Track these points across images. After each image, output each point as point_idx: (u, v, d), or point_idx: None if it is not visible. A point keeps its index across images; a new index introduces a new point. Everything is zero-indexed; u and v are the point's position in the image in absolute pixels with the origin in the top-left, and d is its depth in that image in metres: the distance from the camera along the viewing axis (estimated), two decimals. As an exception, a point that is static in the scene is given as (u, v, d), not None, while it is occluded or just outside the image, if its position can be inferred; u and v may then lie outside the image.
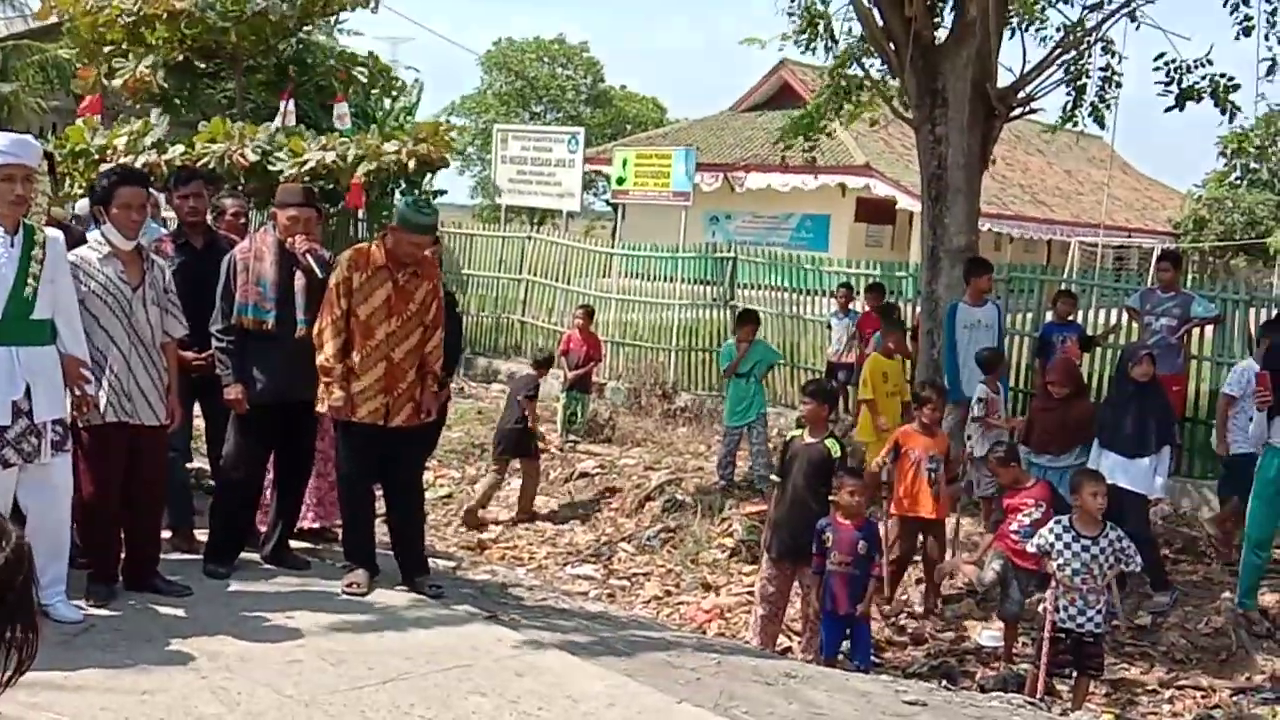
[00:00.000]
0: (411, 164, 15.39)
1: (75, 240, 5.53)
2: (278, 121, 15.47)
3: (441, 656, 5.22)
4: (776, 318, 14.23)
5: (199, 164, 13.50)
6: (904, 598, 8.37)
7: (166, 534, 6.18)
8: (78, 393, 5.11)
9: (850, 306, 13.09)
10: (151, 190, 6.06)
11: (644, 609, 8.45)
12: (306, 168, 14.05)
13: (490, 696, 4.84)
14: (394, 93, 22.49)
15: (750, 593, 8.20)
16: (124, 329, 5.42)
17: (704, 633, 7.78)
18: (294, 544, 6.56)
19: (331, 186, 13.62)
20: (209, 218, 6.96)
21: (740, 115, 33.12)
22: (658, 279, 16.02)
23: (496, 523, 10.32)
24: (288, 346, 5.94)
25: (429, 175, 16.75)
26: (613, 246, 18.41)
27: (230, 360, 5.95)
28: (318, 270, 5.96)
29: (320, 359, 5.85)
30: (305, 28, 18.59)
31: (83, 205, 6.37)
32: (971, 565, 8.13)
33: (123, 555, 5.65)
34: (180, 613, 5.48)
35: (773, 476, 8.34)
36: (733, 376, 10.98)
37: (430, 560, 6.74)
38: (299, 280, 6.00)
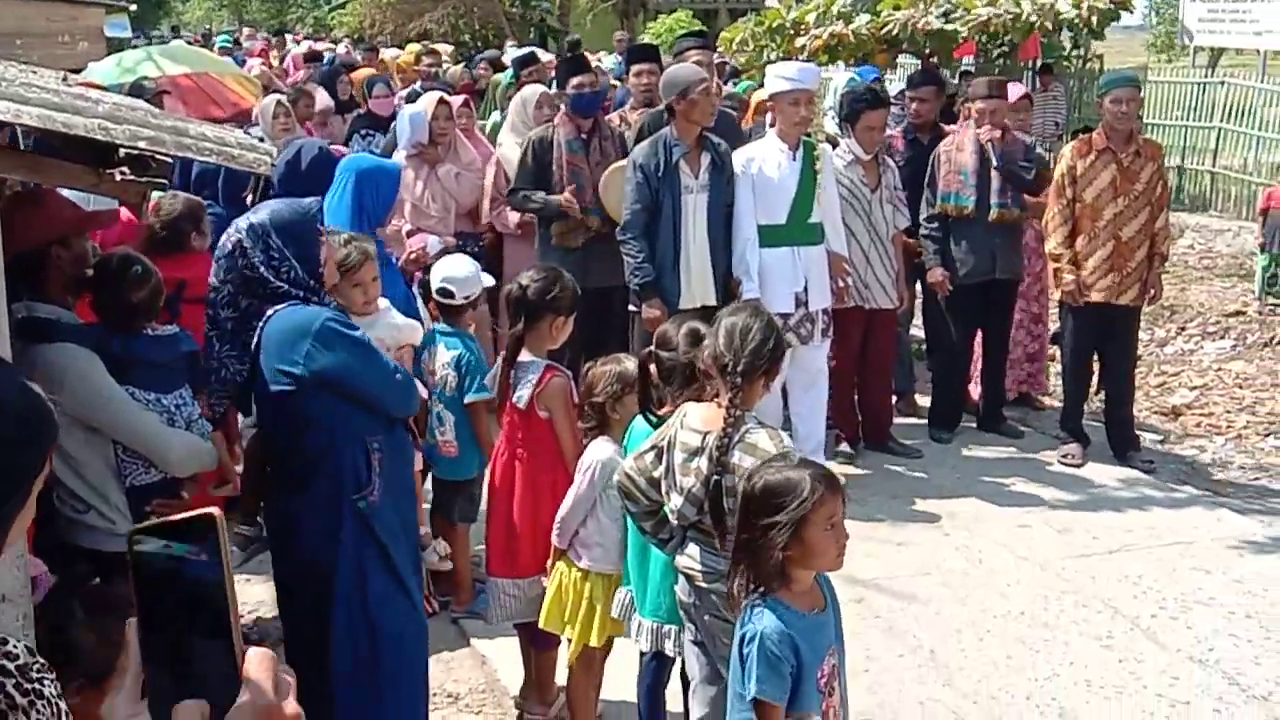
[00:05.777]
0: (1086, 14, 14.76)
1: None
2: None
3: (1161, 532, 5.55)
4: None
5: (883, 31, 13.90)
6: None
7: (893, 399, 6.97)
8: (840, 285, 5.94)
9: None
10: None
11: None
12: (974, 24, 14.02)
13: (1214, 574, 5.12)
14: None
15: None
16: (864, 226, 6.20)
17: None
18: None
19: (1004, 46, 13.56)
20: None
21: None
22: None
23: (1192, 388, 10.15)
24: (984, 230, 6.41)
25: (1113, 20, 16.00)
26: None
27: (933, 246, 6.53)
28: (994, 158, 6.35)
29: (1049, 246, 6.29)
30: None
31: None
32: None
33: (860, 418, 6.52)
34: (918, 474, 6.25)
35: None
36: None
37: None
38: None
